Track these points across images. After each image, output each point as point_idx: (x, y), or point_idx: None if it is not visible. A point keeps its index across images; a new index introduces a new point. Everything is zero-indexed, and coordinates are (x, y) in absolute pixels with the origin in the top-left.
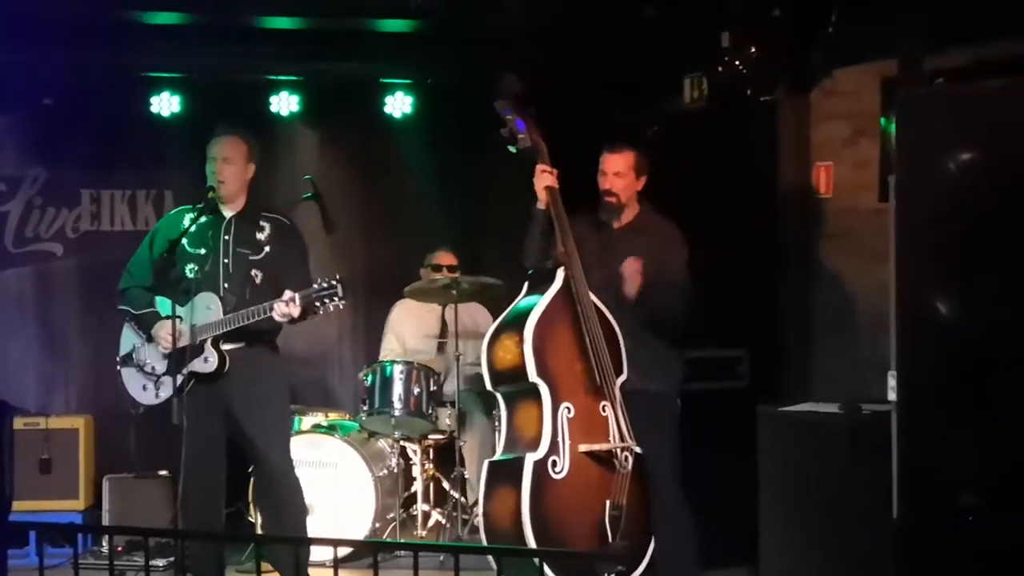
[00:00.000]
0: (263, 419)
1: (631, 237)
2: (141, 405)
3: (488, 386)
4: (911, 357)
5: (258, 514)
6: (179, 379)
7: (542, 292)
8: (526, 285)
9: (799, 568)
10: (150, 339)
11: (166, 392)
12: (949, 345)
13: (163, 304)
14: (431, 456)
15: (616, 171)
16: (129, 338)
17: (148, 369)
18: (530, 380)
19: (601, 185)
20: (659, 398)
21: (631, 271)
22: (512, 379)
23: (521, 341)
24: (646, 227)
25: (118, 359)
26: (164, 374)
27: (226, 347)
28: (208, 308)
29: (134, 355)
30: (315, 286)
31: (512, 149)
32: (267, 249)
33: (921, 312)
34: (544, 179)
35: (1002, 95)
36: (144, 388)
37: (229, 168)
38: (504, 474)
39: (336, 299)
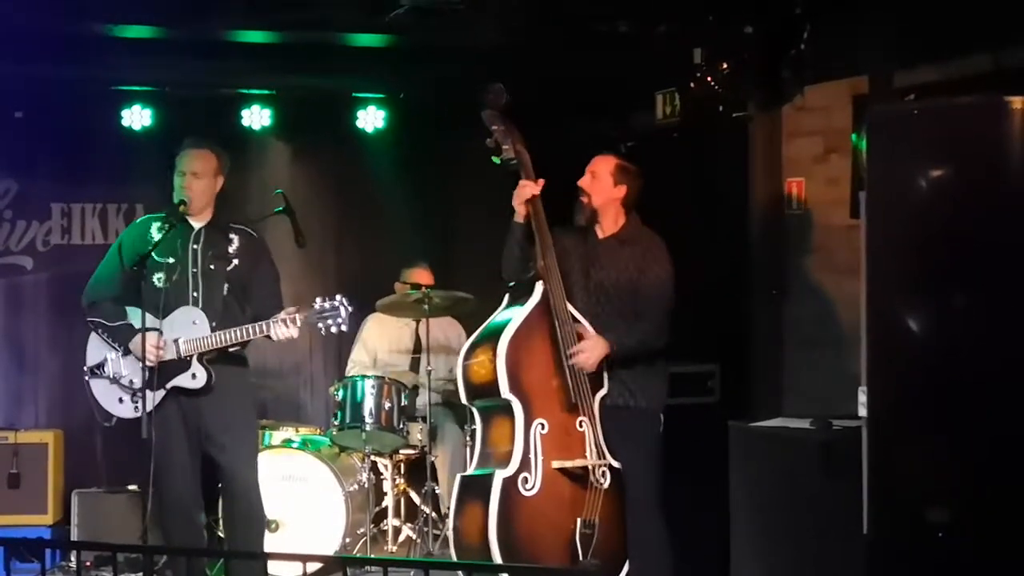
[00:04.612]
0: (233, 433)
1: (615, 248)
2: (113, 417)
3: (464, 400)
4: (881, 373)
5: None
6: (161, 393)
7: (520, 306)
8: (506, 297)
9: None
10: (126, 352)
11: (149, 405)
12: (919, 361)
13: (134, 315)
14: (402, 471)
15: (592, 170)
16: (99, 349)
17: (125, 382)
18: (503, 396)
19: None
20: (641, 414)
21: (582, 357)
22: (486, 394)
23: (495, 357)
24: (631, 239)
25: (86, 369)
26: (144, 387)
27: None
28: (193, 323)
29: (106, 367)
30: (316, 306)
31: (496, 160)
32: (236, 261)
33: (892, 328)
34: (525, 192)
35: (972, 111)
36: (120, 401)
37: (198, 182)
38: (474, 489)
39: (339, 321)
